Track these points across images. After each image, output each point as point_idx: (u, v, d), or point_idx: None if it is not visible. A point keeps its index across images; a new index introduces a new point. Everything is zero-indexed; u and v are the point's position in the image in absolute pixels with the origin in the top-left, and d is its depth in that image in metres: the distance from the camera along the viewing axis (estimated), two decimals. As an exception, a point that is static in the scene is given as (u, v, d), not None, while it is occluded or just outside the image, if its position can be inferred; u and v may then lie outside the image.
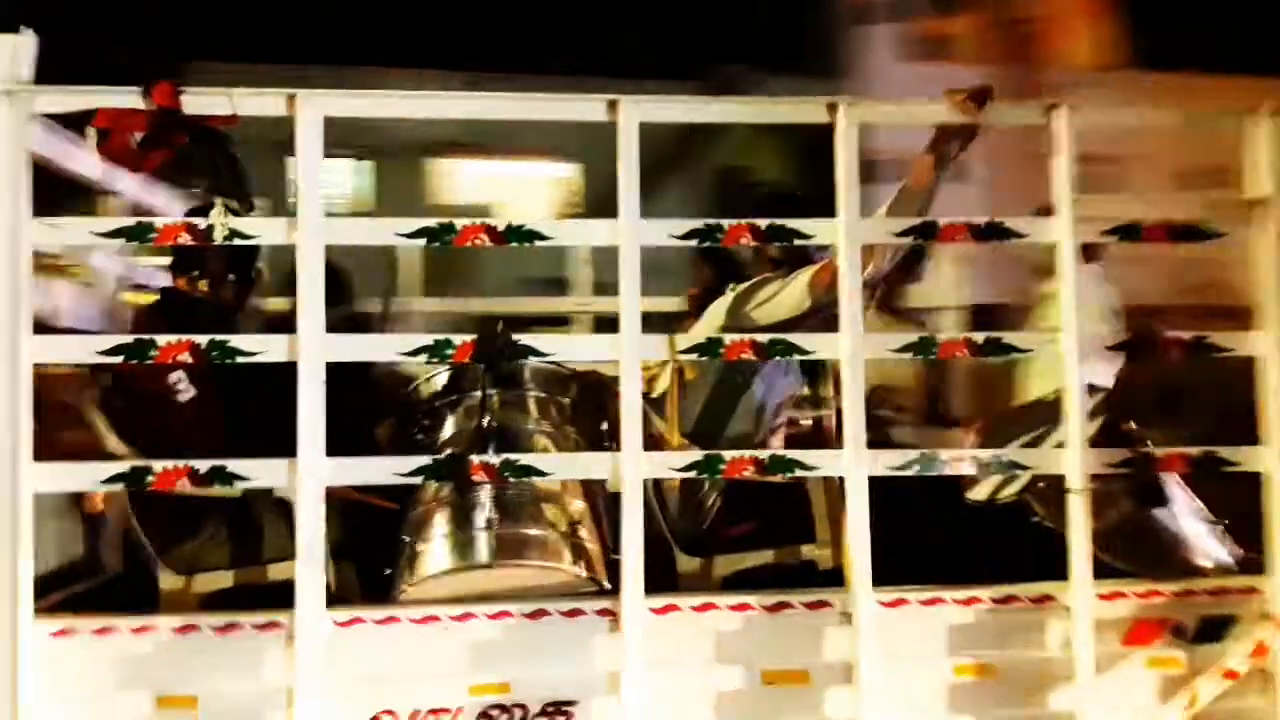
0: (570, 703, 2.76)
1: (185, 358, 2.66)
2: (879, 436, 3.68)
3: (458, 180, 19.68)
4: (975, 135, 3.03)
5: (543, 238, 2.81)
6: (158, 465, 2.64)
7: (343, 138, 17.38)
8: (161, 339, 2.68)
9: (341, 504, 2.78)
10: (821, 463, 2.84)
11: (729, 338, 2.89)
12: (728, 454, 2.84)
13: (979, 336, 2.91)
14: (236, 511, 2.84)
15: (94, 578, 3.07)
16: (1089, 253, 4.28)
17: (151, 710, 2.64)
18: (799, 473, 2.81)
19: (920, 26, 20.52)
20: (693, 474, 2.81)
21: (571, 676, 2.76)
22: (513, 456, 2.75)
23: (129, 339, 2.67)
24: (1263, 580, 2.93)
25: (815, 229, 2.93)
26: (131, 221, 2.70)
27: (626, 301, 2.77)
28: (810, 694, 2.82)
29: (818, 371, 4.47)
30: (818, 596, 2.82)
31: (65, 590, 2.93)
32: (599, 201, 20.20)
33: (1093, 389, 3.36)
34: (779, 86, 20.35)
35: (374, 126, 18.82)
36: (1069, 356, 2.91)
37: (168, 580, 2.87)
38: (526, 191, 19.96)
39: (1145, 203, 3.21)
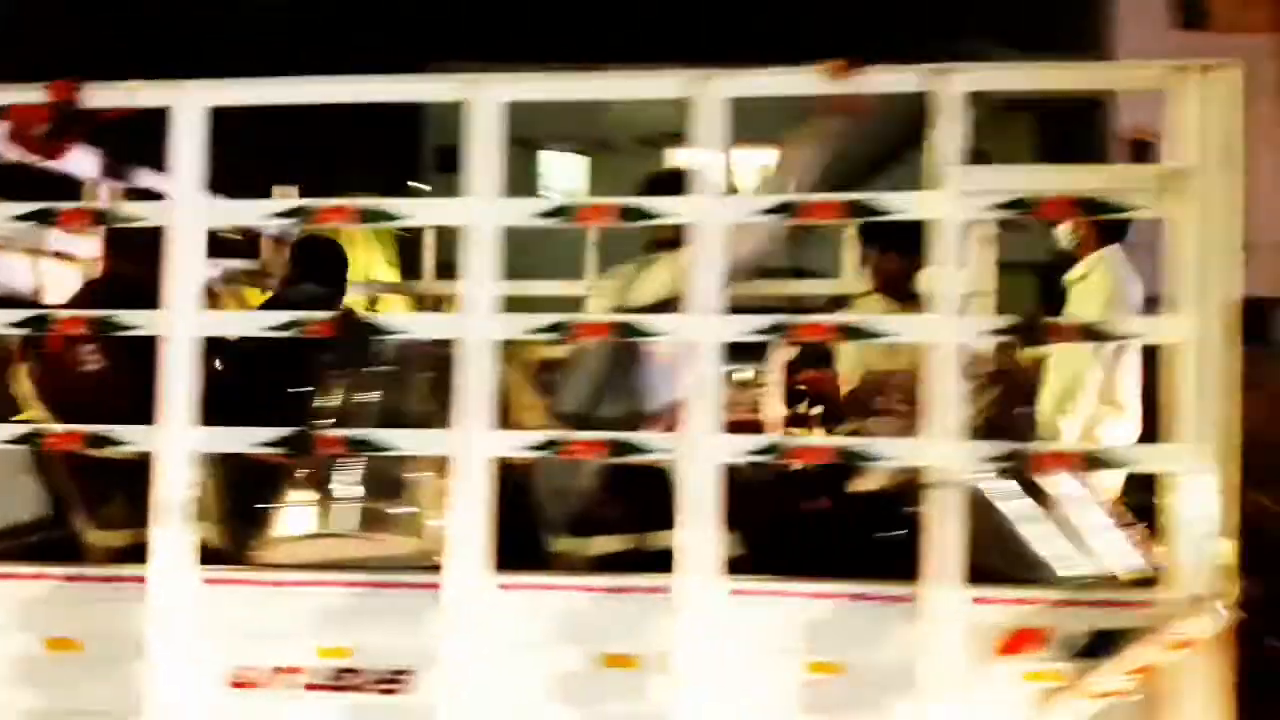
0: (406, 672, 2.83)
1: (81, 330, 2.95)
2: (863, 427, 3.51)
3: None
4: (865, 108, 2.82)
5: (393, 218, 2.88)
6: (53, 428, 2.95)
7: (565, 131, 18.24)
8: (61, 313, 2.98)
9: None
10: (660, 447, 2.75)
11: (578, 318, 2.85)
12: (574, 435, 2.81)
13: (835, 320, 2.72)
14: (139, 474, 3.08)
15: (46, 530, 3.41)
16: (1107, 234, 3.87)
17: (40, 650, 2.94)
18: (636, 458, 2.73)
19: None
20: (538, 454, 2.80)
21: (408, 647, 2.82)
22: (360, 432, 2.85)
23: (34, 312, 2.99)
24: (1158, 592, 2.57)
25: (668, 208, 2.83)
26: (36, 207, 3.00)
27: (472, 281, 2.78)
28: (644, 679, 2.74)
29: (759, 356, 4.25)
30: (657, 581, 2.74)
31: (18, 540, 3.28)
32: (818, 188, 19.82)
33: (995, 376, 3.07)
34: (1024, 62, 19.25)
35: (595, 120, 19.51)
36: (932, 336, 2.66)
37: (92, 535, 3.17)
38: (751, 182, 19.96)
39: (1054, 174, 2.84)
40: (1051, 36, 18.86)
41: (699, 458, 2.69)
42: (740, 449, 2.71)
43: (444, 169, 18.11)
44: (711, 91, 2.76)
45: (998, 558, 2.65)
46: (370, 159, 17.63)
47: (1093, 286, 3.77)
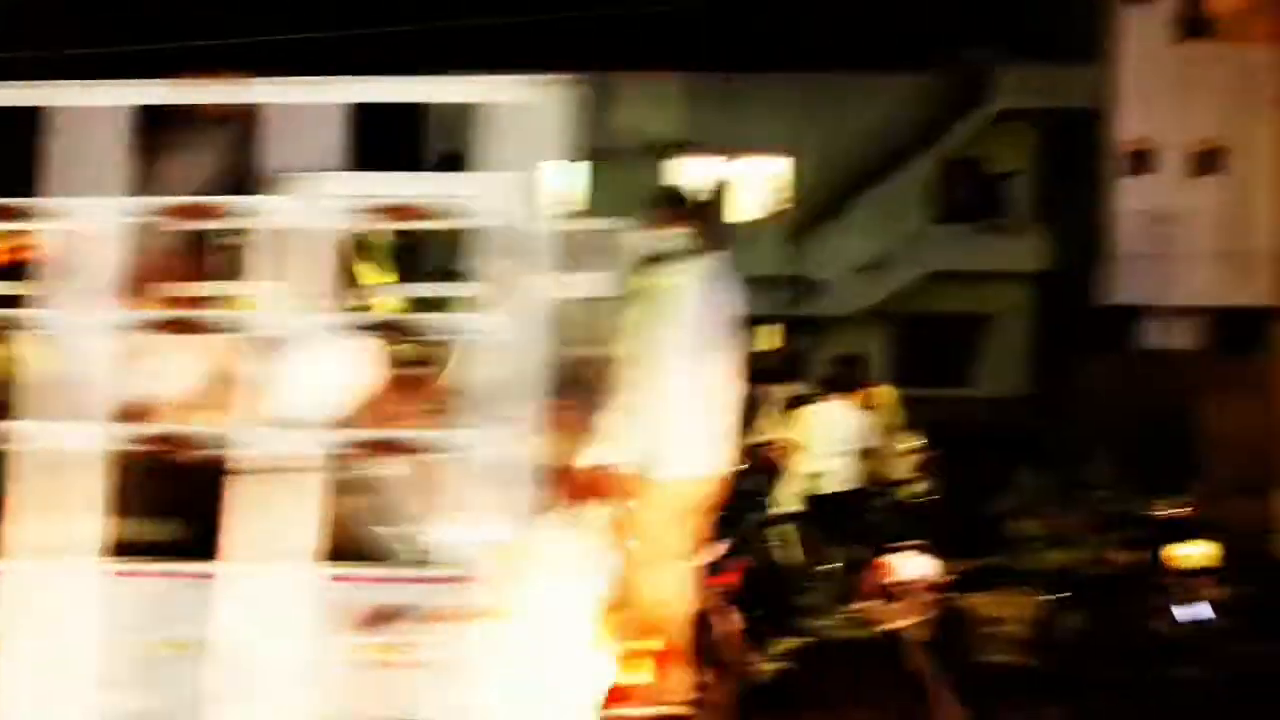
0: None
1: None
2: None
3: (681, 179, 20.00)
4: (244, 116, 2.83)
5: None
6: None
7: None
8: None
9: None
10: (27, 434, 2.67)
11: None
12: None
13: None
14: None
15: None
16: (708, 242, 3.86)
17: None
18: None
19: (1192, 5, 18.90)
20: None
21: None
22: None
23: None
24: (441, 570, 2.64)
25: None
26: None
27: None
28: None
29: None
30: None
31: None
32: (810, 194, 19.97)
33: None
34: (1020, 74, 19.36)
35: (599, 127, 19.55)
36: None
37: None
38: (745, 188, 20.03)
39: (383, 182, 2.86)
40: (1054, 46, 18.98)
41: (77, 442, 2.65)
42: (127, 437, 2.69)
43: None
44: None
45: (353, 538, 2.72)
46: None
47: (666, 294, 3.80)
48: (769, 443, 6.81)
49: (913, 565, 5.67)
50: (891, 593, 5.68)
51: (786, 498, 6.74)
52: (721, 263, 3.97)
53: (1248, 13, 18.16)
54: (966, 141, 19.32)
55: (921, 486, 7.21)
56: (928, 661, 5.27)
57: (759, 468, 6.53)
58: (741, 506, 5.49)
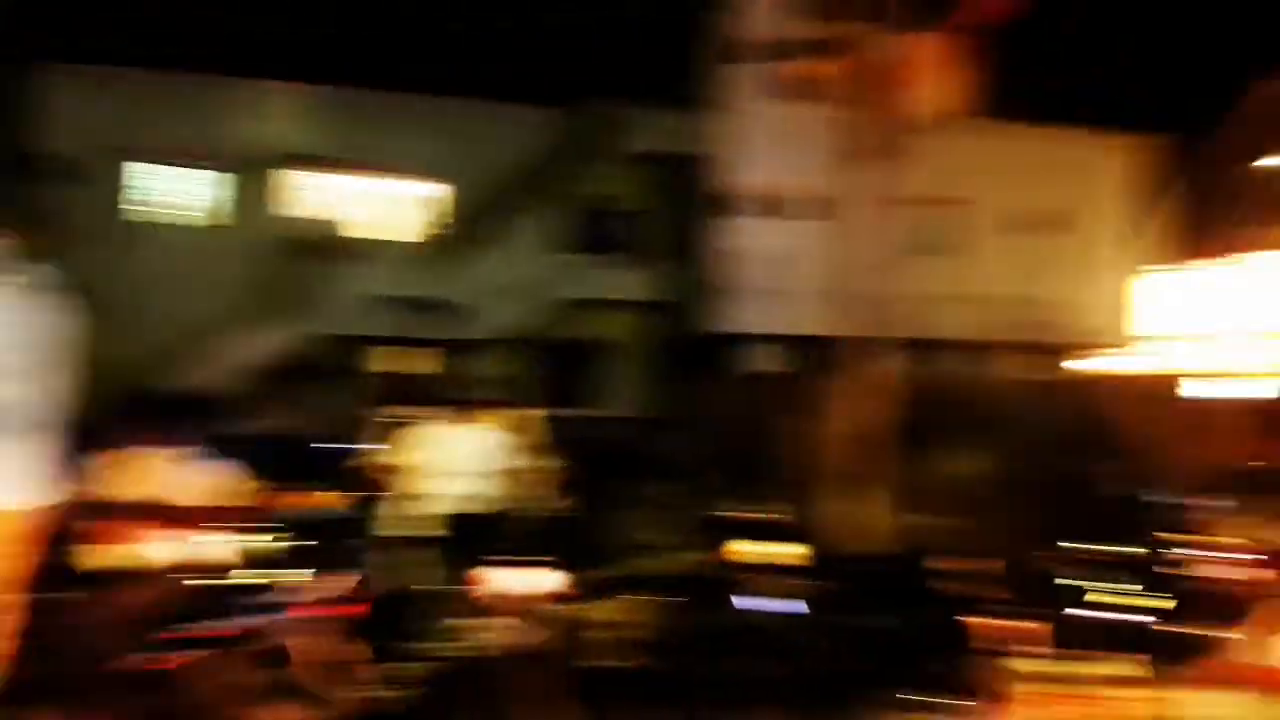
0: None
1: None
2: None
3: (321, 195, 19.66)
4: None
5: None
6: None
7: (203, 148, 17.32)
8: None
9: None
10: None
11: None
12: None
13: None
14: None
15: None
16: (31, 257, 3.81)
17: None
18: None
19: (789, 68, 21.09)
20: None
21: None
22: None
23: None
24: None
25: None
26: None
27: None
28: None
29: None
30: None
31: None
32: (468, 221, 20.48)
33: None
34: (648, 119, 20.87)
35: (236, 138, 18.76)
36: None
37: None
38: (397, 209, 20.06)
39: None
40: (685, 96, 20.61)
41: None
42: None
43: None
44: None
45: None
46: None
47: None
48: (376, 465, 6.89)
49: (533, 579, 5.99)
50: (509, 608, 5.96)
51: (395, 521, 6.83)
52: (48, 279, 3.53)
53: (830, 81, 20.60)
54: (602, 178, 20.55)
55: (557, 503, 7.61)
56: (547, 671, 5.60)
57: (365, 491, 6.61)
58: (342, 531, 5.58)
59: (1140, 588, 6.59)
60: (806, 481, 10.37)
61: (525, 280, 19.49)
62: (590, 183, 20.56)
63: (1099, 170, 24.15)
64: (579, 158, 20.41)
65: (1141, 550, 6.98)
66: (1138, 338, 19.94)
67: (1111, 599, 6.58)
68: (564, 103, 20.12)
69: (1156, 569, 6.89)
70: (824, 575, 7.14)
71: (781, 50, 20.57)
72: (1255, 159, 22.34)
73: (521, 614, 5.93)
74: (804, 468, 11.10)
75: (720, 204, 20.51)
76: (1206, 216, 24.56)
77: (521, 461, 7.45)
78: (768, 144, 18.95)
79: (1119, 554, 6.98)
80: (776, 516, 7.55)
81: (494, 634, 6.00)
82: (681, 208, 21.04)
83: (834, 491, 9.84)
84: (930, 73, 10.73)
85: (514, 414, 7.66)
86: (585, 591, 6.69)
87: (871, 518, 9.63)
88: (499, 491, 7.20)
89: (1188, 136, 23.60)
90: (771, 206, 20.51)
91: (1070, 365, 17.21)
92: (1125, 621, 6.36)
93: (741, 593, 7.02)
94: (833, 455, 10.12)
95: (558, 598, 6.13)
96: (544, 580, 6.04)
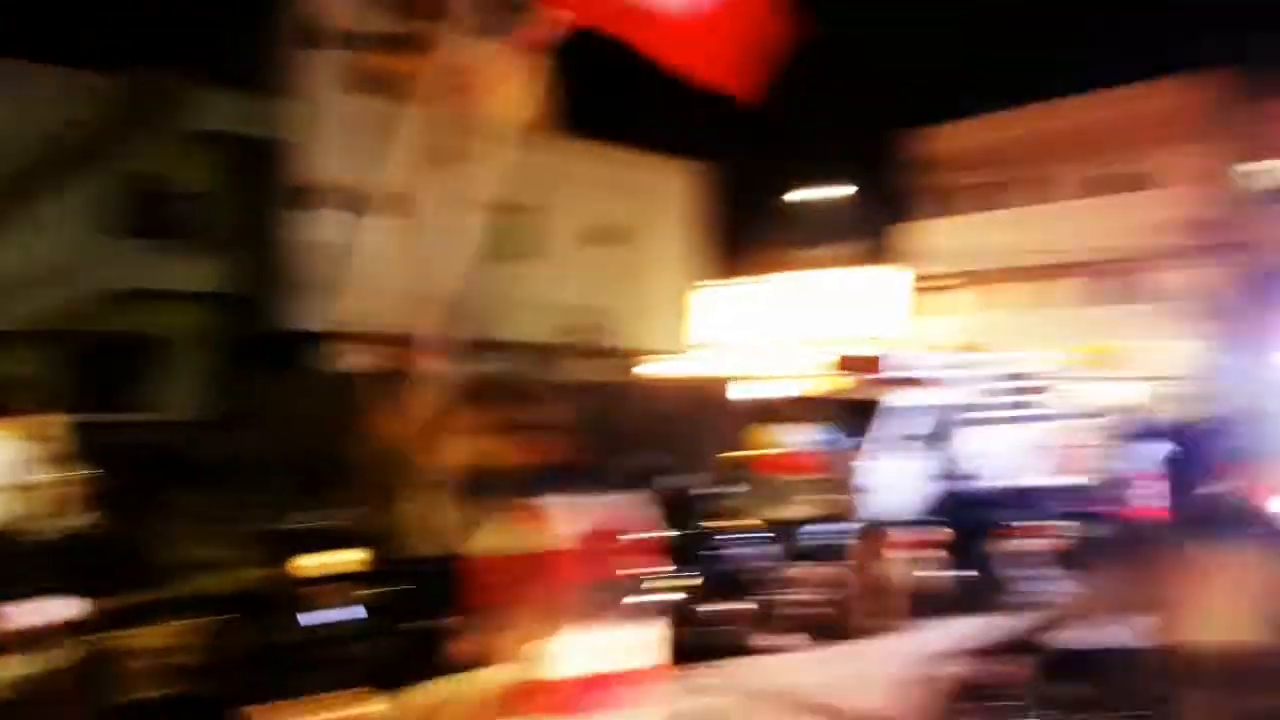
0: None
1: None
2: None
3: None
4: None
5: None
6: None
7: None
8: None
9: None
10: None
11: None
12: None
13: None
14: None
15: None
16: None
17: None
18: None
19: (366, 60, 20.55)
20: None
21: None
22: None
23: None
24: None
25: None
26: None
27: None
28: None
29: None
30: None
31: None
32: None
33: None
34: (217, 98, 19.46)
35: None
36: None
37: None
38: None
39: None
40: (256, 76, 19.54)
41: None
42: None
43: None
44: None
45: None
46: None
47: None
48: None
49: (47, 609, 5.47)
50: (20, 643, 5.40)
51: None
52: None
53: (407, 78, 20.45)
54: (152, 156, 18.85)
55: (81, 520, 6.91)
56: (68, 710, 5.13)
57: None
58: None
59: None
60: (375, 484, 10.25)
61: (60, 265, 17.36)
62: (144, 159, 18.79)
63: (661, 190, 26.12)
64: (130, 130, 18.57)
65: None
66: (693, 344, 21.81)
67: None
68: (115, 69, 18.30)
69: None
70: (386, 580, 7.05)
71: (358, 41, 20.13)
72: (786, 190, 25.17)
73: (35, 648, 5.32)
74: (373, 470, 10.93)
75: (296, 194, 19.61)
76: (750, 238, 27.33)
77: (40, 474, 6.71)
78: (344, 136, 18.37)
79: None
80: (341, 523, 7.33)
81: (3, 672, 5.33)
82: (254, 195, 19.85)
83: (402, 494, 9.77)
84: (504, 81, 10.92)
85: (32, 420, 6.88)
86: (117, 618, 6.15)
87: (437, 518, 9.68)
88: (10, 509, 6.44)
89: (733, 164, 26.16)
90: (348, 200, 19.91)
91: (632, 369, 18.37)
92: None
93: (303, 606, 6.75)
94: (398, 456, 10.08)
95: (78, 627, 5.56)
96: (60, 609, 5.45)
